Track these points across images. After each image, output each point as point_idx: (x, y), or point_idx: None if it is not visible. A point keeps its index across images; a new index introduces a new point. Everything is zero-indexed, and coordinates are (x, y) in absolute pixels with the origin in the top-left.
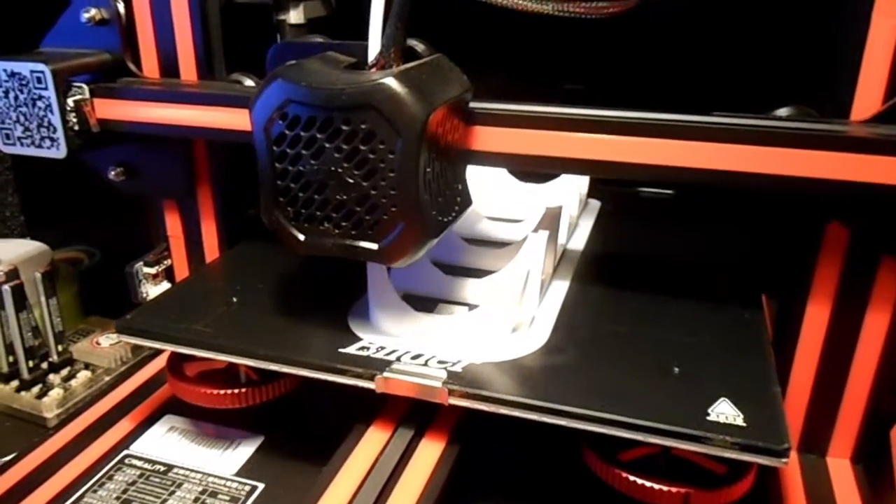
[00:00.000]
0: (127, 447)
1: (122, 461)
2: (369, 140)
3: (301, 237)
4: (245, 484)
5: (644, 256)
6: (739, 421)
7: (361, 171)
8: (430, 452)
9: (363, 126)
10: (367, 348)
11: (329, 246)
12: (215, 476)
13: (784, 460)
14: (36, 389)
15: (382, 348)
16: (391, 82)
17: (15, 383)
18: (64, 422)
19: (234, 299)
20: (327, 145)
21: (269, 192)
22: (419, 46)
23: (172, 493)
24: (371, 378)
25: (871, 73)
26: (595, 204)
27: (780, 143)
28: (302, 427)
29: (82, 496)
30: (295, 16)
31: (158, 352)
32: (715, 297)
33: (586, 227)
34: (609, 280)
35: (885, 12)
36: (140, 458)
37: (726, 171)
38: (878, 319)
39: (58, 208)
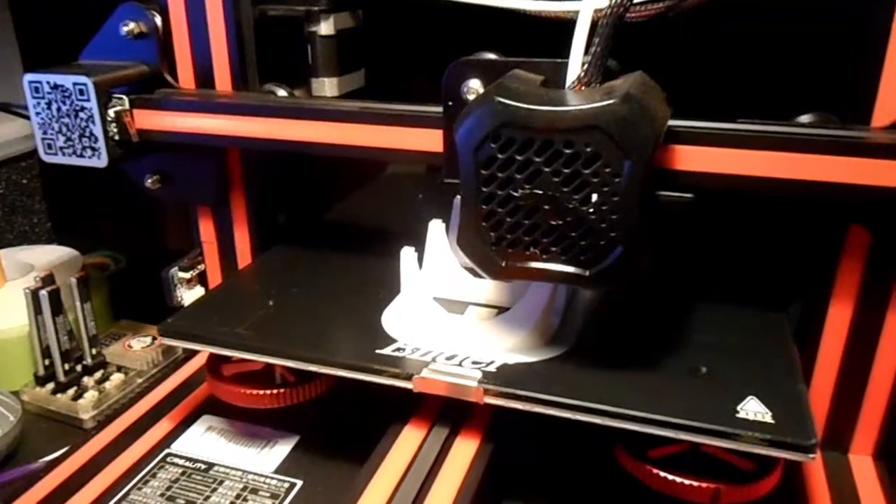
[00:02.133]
0: (168, 446)
1: (164, 459)
2: (592, 163)
3: (502, 262)
4: (284, 481)
5: (666, 260)
6: (768, 418)
7: (580, 194)
8: (465, 450)
9: (587, 149)
10: (403, 349)
11: (532, 271)
12: (255, 473)
13: (812, 455)
14: (71, 392)
15: (417, 349)
16: (620, 105)
17: (51, 386)
18: (104, 422)
19: (271, 303)
20: (545, 169)
21: (470, 216)
22: (611, 62)
23: (215, 489)
24: (409, 378)
25: (891, 81)
26: None
27: (803, 150)
28: (335, 427)
29: (128, 493)
30: (325, 27)
31: (191, 355)
32: (738, 300)
33: None
34: (633, 282)
35: None
36: (181, 457)
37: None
38: None
39: (83, 215)
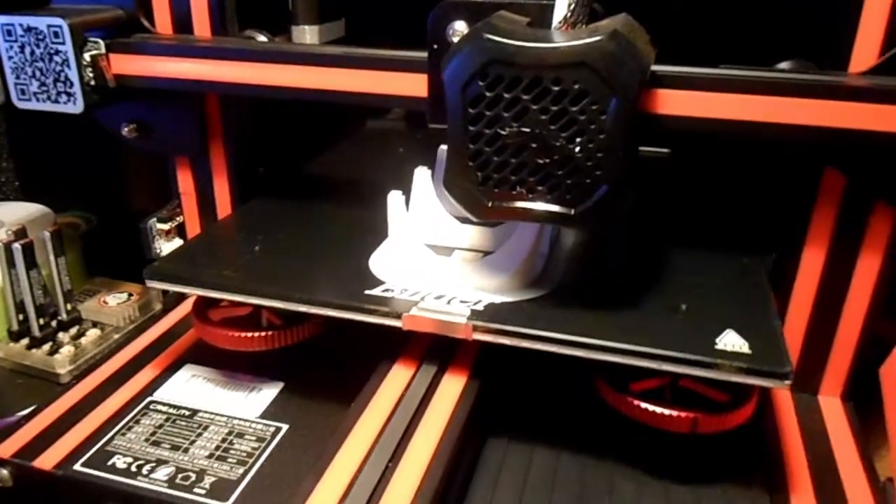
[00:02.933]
0: (150, 394)
1: (147, 406)
2: (580, 100)
3: (488, 202)
4: (269, 425)
5: (646, 209)
6: (745, 349)
7: (567, 132)
8: (453, 387)
9: (575, 86)
10: (392, 290)
11: (518, 210)
12: (239, 419)
13: (787, 382)
14: (47, 347)
15: (406, 290)
16: (608, 42)
17: (25, 341)
18: (83, 374)
19: (257, 248)
20: (533, 106)
21: (457, 156)
22: (595, 5)
23: (200, 434)
24: (398, 316)
25: (868, 28)
26: None
27: (783, 93)
28: (318, 374)
29: (112, 438)
30: None
31: (168, 310)
32: (715, 245)
33: None
34: (615, 223)
35: None
36: (165, 404)
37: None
38: (870, 263)
39: (52, 174)
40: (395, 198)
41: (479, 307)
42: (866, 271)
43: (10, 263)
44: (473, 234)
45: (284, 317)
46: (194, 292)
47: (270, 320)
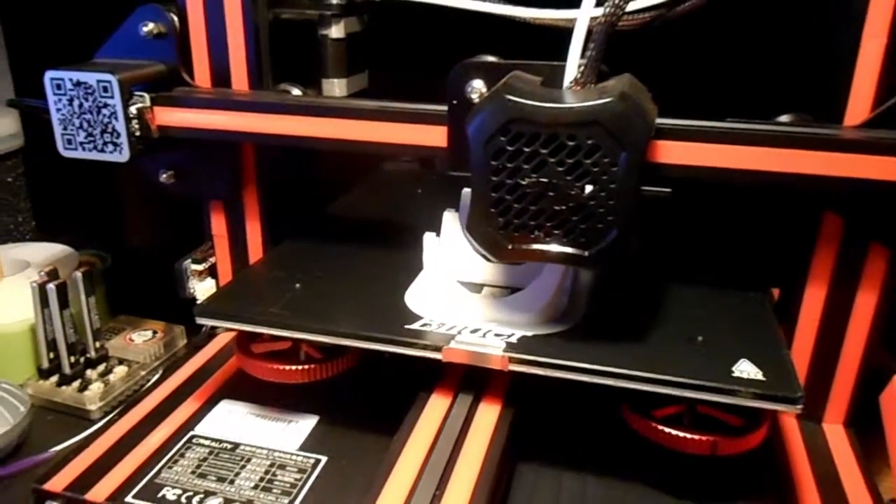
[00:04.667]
0: (192, 428)
1: (189, 441)
2: (593, 154)
3: (508, 245)
4: (309, 457)
5: (660, 247)
6: (760, 376)
7: (581, 182)
8: (489, 416)
9: (589, 141)
10: (429, 324)
11: (536, 253)
12: (280, 451)
13: (799, 406)
14: (76, 384)
15: (443, 324)
16: (617, 102)
17: (55, 378)
18: (113, 410)
19: (298, 286)
20: (550, 159)
21: (479, 203)
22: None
23: (244, 466)
24: (438, 349)
25: (861, 85)
26: None
27: (783, 145)
28: (350, 406)
29: (160, 471)
30: (336, 31)
31: (199, 347)
32: (724, 282)
33: None
34: (625, 263)
35: (873, 34)
36: (206, 438)
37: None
38: (868, 298)
39: (66, 214)
40: (429, 238)
41: (513, 340)
42: (865, 306)
43: (44, 303)
44: (503, 272)
45: (323, 351)
46: (243, 328)
47: (309, 354)
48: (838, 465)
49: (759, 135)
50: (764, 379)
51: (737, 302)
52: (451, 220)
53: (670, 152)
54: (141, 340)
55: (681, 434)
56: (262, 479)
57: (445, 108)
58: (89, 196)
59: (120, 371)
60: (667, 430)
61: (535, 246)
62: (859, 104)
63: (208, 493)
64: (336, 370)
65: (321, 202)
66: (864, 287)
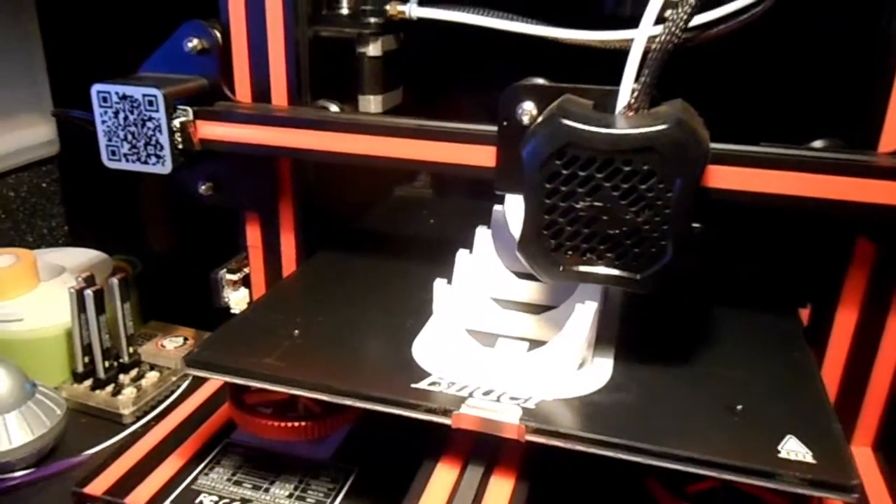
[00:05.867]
0: (227, 436)
1: (225, 448)
2: (648, 179)
3: (559, 267)
4: (341, 467)
5: (684, 290)
6: (809, 458)
7: (636, 207)
8: (502, 489)
9: (644, 167)
10: (438, 383)
11: (587, 275)
12: (313, 459)
13: (855, 495)
14: (110, 388)
15: (453, 384)
16: (674, 129)
17: (89, 382)
18: (162, 415)
19: (297, 332)
20: (605, 184)
21: (532, 223)
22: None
23: (278, 475)
24: (446, 414)
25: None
26: None
27: (821, 171)
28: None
29: (196, 477)
30: (373, 49)
31: None
32: (763, 335)
33: None
34: (657, 316)
35: None
36: (241, 446)
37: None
38: None
39: (98, 219)
40: (440, 286)
41: (531, 405)
42: (895, 331)
43: (81, 309)
44: (519, 323)
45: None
46: (235, 381)
47: (308, 406)
48: (867, 489)
49: (796, 160)
50: (814, 462)
51: (778, 360)
52: (464, 262)
53: (721, 177)
54: (172, 347)
55: None
56: (296, 488)
57: (495, 128)
58: (121, 203)
59: (152, 376)
60: None
61: (587, 268)
62: (895, 130)
63: (244, 501)
64: (339, 426)
65: (341, 224)
66: (895, 311)
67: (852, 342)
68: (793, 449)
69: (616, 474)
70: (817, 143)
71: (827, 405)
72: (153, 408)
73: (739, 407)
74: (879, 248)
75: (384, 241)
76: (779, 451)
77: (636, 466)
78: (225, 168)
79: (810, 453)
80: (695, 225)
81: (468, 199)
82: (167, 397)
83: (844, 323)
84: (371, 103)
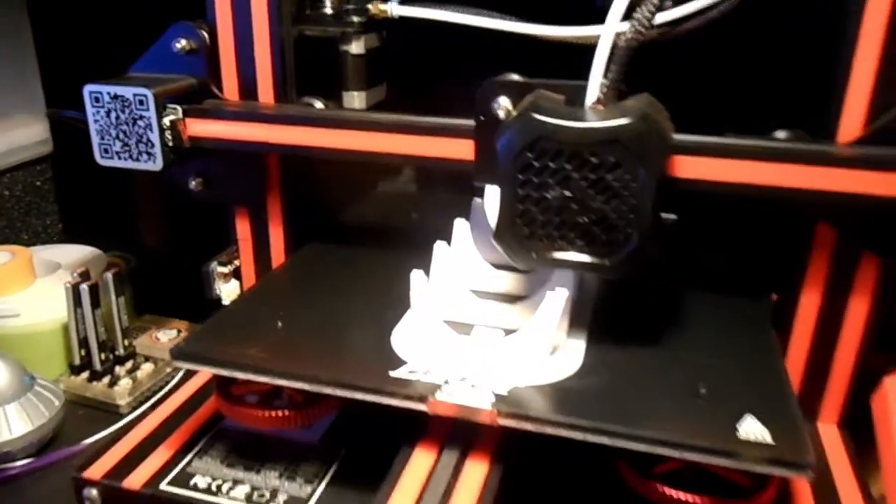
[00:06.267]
0: (219, 423)
1: (217, 434)
2: (614, 170)
3: (532, 253)
4: (329, 449)
5: (657, 278)
6: (767, 438)
7: (603, 196)
8: (477, 473)
9: (611, 159)
10: (415, 371)
11: (559, 261)
12: (300, 442)
13: (810, 473)
14: (106, 380)
15: (429, 372)
16: (639, 123)
17: (85, 374)
18: (157, 403)
19: (280, 324)
20: (574, 175)
21: (507, 214)
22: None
23: (268, 456)
24: (423, 400)
25: (852, 105)
26: None
27: (783, 160)
28: None
29: (191, 461)
30: (356, 47)
31: None
32: (730, 321)
33: None
34: (631, 304)
35: (865, 56)
36: (233, 431)
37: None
38: (861, 304)
39: (91, 217)
40: (417, 276)
41: (503, 391)
42: (858, 311)
43: (77, 303)
44: (495, 313)
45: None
46: (221, 373)
47: (291, 395)
48: (831, 465)
49: (759, 149)
50: (772, 442)
51: (743, 345)
52: (442, 254)
53: (685, 167)
54: (166, 339)
55: (682, 497)
56: (286, 469)
57: (473, 122)
58: (114, 200)
59: (147, 368)
60: (668, 491)
61: (559, 254)
62: (851, 122)
63: (237, 482)
64: (319, 416)
65: (339, 211)
66: (856, 293)
67: (817, 324)
68: (752, 429)
69: (588, 458)
70: (780, 134)
71: (787, 387)
72: (148, 398)
73: (704, 390)
74: (840, 233)
75: (369, 235)
76: (738, 432)
77: (606, 449)
78: (214, 164)
79: (768, 433)
80: (670, 216)
81: (451, 193)
82: (162, 388)
83: (809, 305)
84: (355, 99)
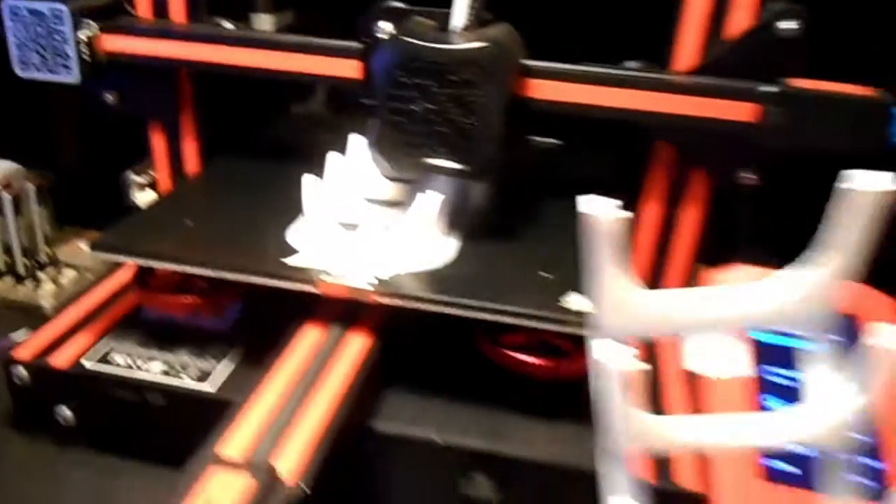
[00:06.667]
0: (139, 311)
1: (136, 321)
2: (470, 87)
3: (406, 160)
4: (231, 338)
5: (532, 189)
6: (589, 308)
7: (461, 110)
8: (359, 344)
9: (467, 78)
10: (307, 260)
11: (429, 166)
12: (210, 330)
13: None
14: (30, 284)
15: (319, 260)
16: (493, 47)
17: (9, 279)
18: (78, 296)
19: (190, 223)
20: (438, 91)
21: (381, 125)
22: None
23: (181, 339)
24: (312, 283)
25: (684, 38)
26: None
27: (622, 85)
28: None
29: (111, 344)
30: None
31: None
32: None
33: None
34: (502, 211)
35: None
36: (151, 320)
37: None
38: (694, 214)
39: (9, 134)
40: (308, 180)
41: (384, 276)
42: (691, 220)
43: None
44: (382, 214)
45: (211, 282)
46: (134, 262)
47: (199, 286)
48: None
49: (602, 75)
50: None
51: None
52: (333, 162)
53: (536, 89)
54: (87, 248)
55: (526, 359)
56: (196, 349)
57: (360, 44)
58: (31, 119)
59: (70, 274)
60: (514, 354)
61: (428, 160)
62: (683, 54)
63: (151, 359)
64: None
65: (253, 124)
66: (688, 201)
67: (658, 225)
68: (578, 302)
69: (454, 333)
70: (631, 63)
71: None
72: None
73: (549, 276)
74: (676, 151)
75: (278, 151)
76: (568, 304)
77: (467, 324)
78: (130, 79)
79: (591, 304)
80: (555, 141)
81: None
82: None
83: (650, 212)
84: (263, 21)
